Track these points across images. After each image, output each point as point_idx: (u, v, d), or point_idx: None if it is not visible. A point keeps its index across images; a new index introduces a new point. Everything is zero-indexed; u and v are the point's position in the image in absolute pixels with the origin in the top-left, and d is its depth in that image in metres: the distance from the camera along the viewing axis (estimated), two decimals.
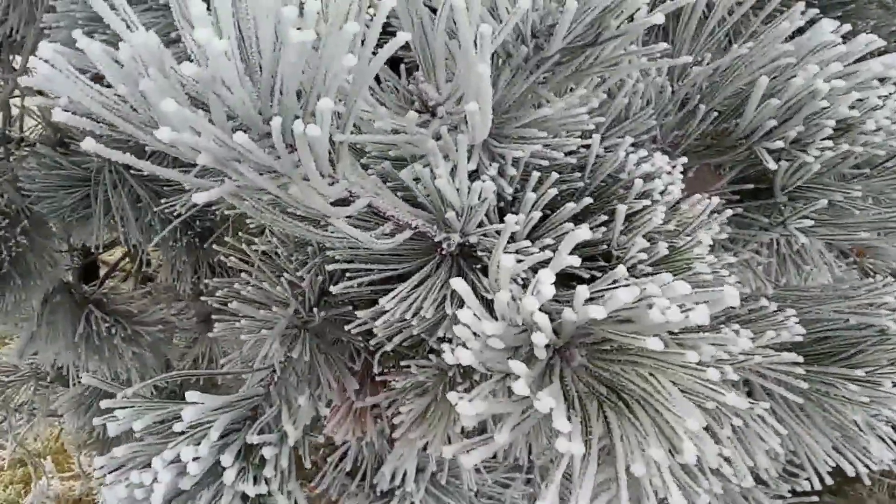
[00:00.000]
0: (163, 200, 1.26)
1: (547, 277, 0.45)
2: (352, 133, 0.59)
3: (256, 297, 0.82)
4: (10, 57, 2.10)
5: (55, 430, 4.38)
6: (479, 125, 0.62)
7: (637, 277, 0.62)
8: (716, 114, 0.85)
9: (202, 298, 1.81)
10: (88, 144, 0.48)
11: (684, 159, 0.74)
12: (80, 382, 2.26)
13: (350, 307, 0.84)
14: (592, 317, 0.44)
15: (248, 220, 0.90)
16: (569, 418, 0.52)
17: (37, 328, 1.98)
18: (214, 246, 0.87)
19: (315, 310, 0.81)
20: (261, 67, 0.51)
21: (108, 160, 1.68)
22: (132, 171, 1.68)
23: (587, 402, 0.55)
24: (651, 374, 0.53)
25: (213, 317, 0.86)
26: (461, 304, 0.69)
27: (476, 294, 0.69)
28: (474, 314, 0.46)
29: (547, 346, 0.55)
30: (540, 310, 0.46)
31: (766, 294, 0.86)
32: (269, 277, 0.82)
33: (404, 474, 1.49)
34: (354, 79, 0.54)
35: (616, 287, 0.55)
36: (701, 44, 0.92)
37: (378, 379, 0.84)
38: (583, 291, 0.46)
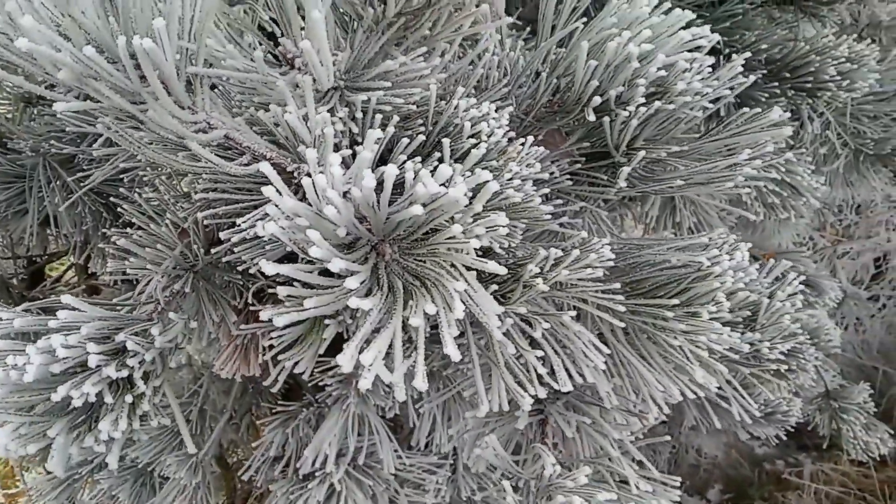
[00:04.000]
0: (83, 177, 1.35)
1: (335, 160, 0.56)
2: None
3: (144, 239, 0.91)
4: None
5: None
6: (318, 66, 0.73)
7: None
8: (556, 83, 0.97)
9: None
10: None
11: (511, 108, 0.85)
12: None
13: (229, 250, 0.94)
14: (369, 186, 0.54)
15: (142, 174, 0.99)
16: (374, 294, 0.62)
17: None
18: (112, 199, 0.95)
19: (201, 252, 0.91)
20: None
21: (42, 156, 1.76)
22: (66, 167, 1.77)
23: (396, 288, 0.65)
24: (444, 261, 0.64)
25: (109, 261, 0.95)
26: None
27: None
28: (276, 190, 0.56)
29: (366, 244, 0.65)
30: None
31: (604, 241, 0.98)
32: (156, 221, 0.91)
33: (325, 458, 1.57)
34: (199, 16, 0.64)
35: None
36: (560, 25, 1.05)
37: (253, 310, 0.93)
38: (368, 173, 0.56)
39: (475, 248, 0.60)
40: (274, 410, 1.81)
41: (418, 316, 0.58)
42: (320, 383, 1.48)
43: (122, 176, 1.21)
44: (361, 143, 0.84)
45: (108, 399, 0.69)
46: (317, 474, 1.68)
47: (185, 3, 0.62)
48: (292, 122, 0.74)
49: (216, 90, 0.90)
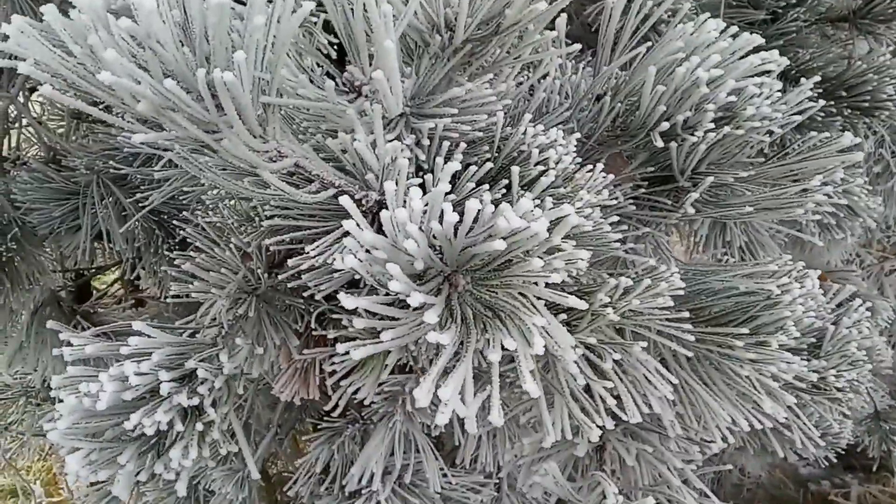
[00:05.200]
0: (137, 194, 1.37)
1: (416, 193, 0.55)
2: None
3: (209, 263, 0.92)
4: (10, 83, 2.23)
5: (46, 462, 4.43)
6: (389, 94, 0.73)
7: None
8: (621, 107, 0.96)
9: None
10: (46, 90, 0.59)
11: (578, 134, 0.85)
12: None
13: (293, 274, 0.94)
14: (451, 221, 0.54)
15: (204, 198, 1.00)
16: (448, 327, 0.62)
17: (25, 339, 2.07)
18: (175, 222, 0.96)
19: (263, 276, 0.91)
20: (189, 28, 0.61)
21: (96, 174, 1.79)
22: (119, 184, 1.79)
23: (471, 321, 0.64)
24: (521, 294, 0.63)
25: (171, 284, 0.95)
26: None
27: None
28: (357, 224, 0.56)
29: (438, 274, 0.65)
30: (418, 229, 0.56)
31: (671, 268, 0.96)
32: (219, 244, 0.92)
33: (371, 476, 1.57)
34: (275, 46, 0.65)
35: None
36: (621, 49, 1.04)
37: (315, 335, 0.93)
38: (448, 207, 0.55)
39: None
40: (319, 427, 1.80)
41: (496, 351, 0.58)
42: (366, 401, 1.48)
43: (175, 194, 1.22)
44: (427, 169, 0.83)
45: (179, 427, 0.69)
46: (363, 492, 1.67)
47: (262, 35, 0.62)
48: (361, 150, 0.74)
49: (281, 112, 0.90)
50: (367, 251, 0.59)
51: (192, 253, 0.94)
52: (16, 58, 0.65)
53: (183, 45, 0.61)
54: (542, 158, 0.80)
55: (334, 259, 0.76)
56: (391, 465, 1.61)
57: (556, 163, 0.80)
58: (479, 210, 0.54)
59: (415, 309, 0.60)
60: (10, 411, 2.89)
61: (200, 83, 0.60)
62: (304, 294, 0.89)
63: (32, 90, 2.18)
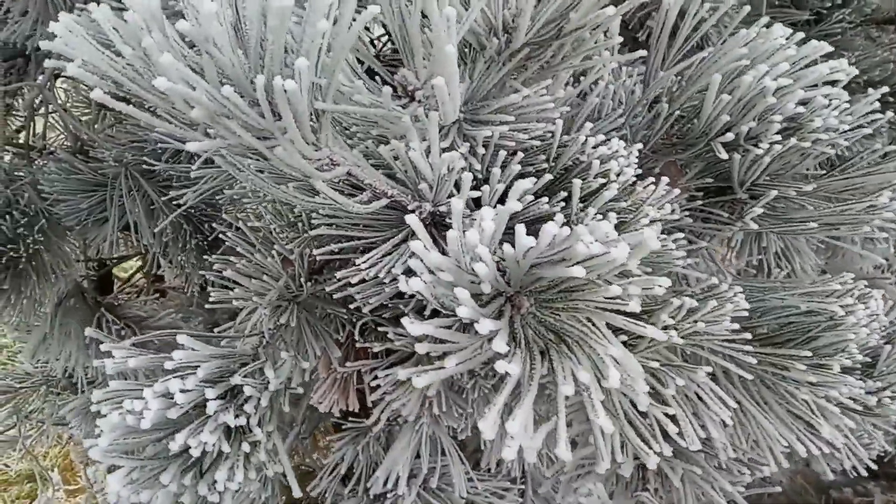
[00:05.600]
0: (171, 192, 1.34)
1: (488, 214, 0.52)
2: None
3: (249, 269, 0.89)
4: (37, 71, 2.21)
5: (64, 447, 4.43)
6: (448, 102, 0.69)
7: None
8: (678, 114, 0.92)
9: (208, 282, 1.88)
10: (97, 94, 0.56)
11: (640, 144, 0.81)
12: (89, 389, 2.33)
13: (336, 281, 0.91)
14: (526, 245, 0.50)
15: (245, 202, 0.97)
16: (514, 353, 0.58)
17: (49, 330, 2.06)
18: (214, 224, 0.93)
19: (304, 283, 0.88)
20: (246, 33, 0.58)
21: (124, 166, 1.77)
22: (147, 177, 1.77)
23: (534, 345, 0.61)
24: (588, 319, 0.59)
25: (210, 289, 0.92)
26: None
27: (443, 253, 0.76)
28: (424, 246, 0.52)
29: (500, 295, 0.61)
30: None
31: (728, 281, 0.92)
32: (261, 251, 0.89)
33: (397, 479, 1.54)
34: (334, 51, 0.61)
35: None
36: (675, 52, 1.00)
37: (359, 347, 0.90)
38: (520, 229, 0.52)
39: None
40: (343, 426, 1.78)
41: (568, 383, 0.54)
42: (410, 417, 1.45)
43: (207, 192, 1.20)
44: (482, 180, 0.80)
45: (225, 448, 0.66)
46: (388, 496, 1.64)
47: (317, 31, 0.59)
48: (416, 159, 0.70)
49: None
50: (431, 272, 0.56)
51: (232, 258, 0.91)
52: (62, 57, 0.62)
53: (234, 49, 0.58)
54: (602, 170, 0.76)
55: (386, 273, 0.73)
56: (417, 468, 1.59)
57: (618, 175, 0.76)
58: (554, 235, 0.50)
59: (477, 332, 0.56)
60: (32, 399, 2.89)
61: (259, 90, 0.56)
62: (348, 304, 0.86)
63: (57, 76, 2.16)
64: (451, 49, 0.64)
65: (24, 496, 4.59)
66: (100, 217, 1.84)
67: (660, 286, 0.54)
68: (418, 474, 1.62)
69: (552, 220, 0.76)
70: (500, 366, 0.53)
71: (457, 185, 0.77)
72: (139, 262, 2.93)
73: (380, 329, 0.87)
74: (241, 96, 0.61)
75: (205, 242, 1.83)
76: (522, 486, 1.88)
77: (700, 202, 0.95)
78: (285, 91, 0.55)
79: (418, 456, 1.56)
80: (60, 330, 2.07)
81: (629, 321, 0.55)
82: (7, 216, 1.69)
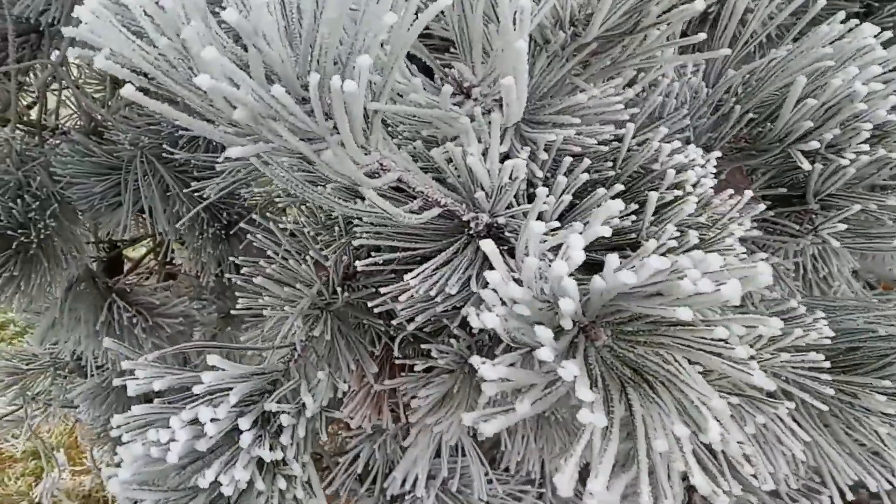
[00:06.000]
0: (193, 184, 1.27)
1: (577, 242, 0.45)
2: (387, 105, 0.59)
3: (281, 275, 0.82)
4: (50, 47, 2.14)
5: (69, 425, 4.39)
6: (514, 104, 0.62)
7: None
8: (750, 116, 0.84)
9: (226, 277, 1.82)
10: (128, 91, 0.49)
11: (718, 153, 0.73)
12: (98, 370, 2.28)
13: (374, 291, 0.84)
14: (623, 282, 0.43)
15: (276, 200, 0.90)
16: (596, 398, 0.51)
17: (59, 315, 2.00)
18: (242, 224, 0.86)
19: (339, 291, 0.81)
20: (300, 24, 0.51)
21: (140, 150, 1.70)
22: (163, 161, 1.70)
23: (610, 383, 0.54)
24: (673, 357, 0.52)
25: (237, 294, 0.86)
26: (487, 283, 0.69)
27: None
28: (502, 277, 0.46)
29: (573, 324, 0.54)
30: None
31: (797, 300, 0.85)
32: (294, 256, 0.82)
33: (415, 479, 1.48)
34: (392, 46, 0.54)
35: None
36: (739, 48, 0.92)
37: (397, 363, 0.83)
38: (613, 259, 0.45)
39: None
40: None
41: (661, 437, 0.47)
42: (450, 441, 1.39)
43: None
44: (544, 187, 0.73)
45: (260, 485, 0.60)
46: (406, 497, 1.58)
47: (382, 26, 0.51)
48: (474, 166, 0.63)
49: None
50: (503, 301, 0.49)
51: (261, 262, 0.84)
52: (88, 45, 0.55)
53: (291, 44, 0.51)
54: (678, 180, 0.68)
55: (438, 291, 0.66)
56: (436, 468, 1.53)
57: (694, 185, 0.69)
58: (658, 270, 0.43)
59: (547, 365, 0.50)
60: (39, 381, 2.84)
61: (312, 90, 0.49)
62: (385, 316, 0.80)
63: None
64: (521, 45, 0.57)
65: (28, 473, 4.57)
66: (113, 201, 1.77)
67: (772, 326, 0.47)
68: (437, 475, 1.56)
69: (630, 237, 0.69)
70: (584, 416, 0.47)
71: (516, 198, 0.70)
72: (150, 244, 2.87)
73: (422, 346, 0.80)
74: (289, 94, 0.54)
75: (222, 231, 1.76)
76: (541, 490, 1.82)
77: (768, 212, 0.87)
78: (343, 92, 0.48)
79: (437, 455, 1.50)
80: (70, 315, 2.01)
81: (731, 365, 0.48)
82: (18, 199, 1.62)
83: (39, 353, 2.77)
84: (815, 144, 0.76)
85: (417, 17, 0.52)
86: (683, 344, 0.50)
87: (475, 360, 0.47)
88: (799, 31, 0.89)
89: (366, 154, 0.60)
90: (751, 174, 0.90)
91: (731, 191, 0.72)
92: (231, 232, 1.78)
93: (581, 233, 0.50)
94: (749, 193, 0.71)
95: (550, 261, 0.62)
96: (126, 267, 2.96)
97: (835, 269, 1.26)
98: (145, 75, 0.55)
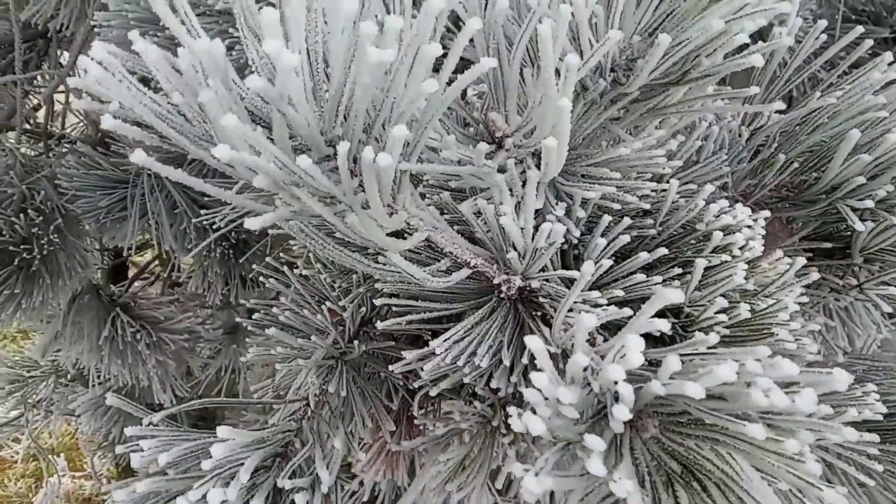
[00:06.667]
0: (202, 212, 1.22)
1: (635, 344, 0.40)
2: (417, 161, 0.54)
3: (295, 322, 0.78)
4: (59, 53, 2.10)
5: (70, 427, 4.36)
6: (554, 163, 0.57)
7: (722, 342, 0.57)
8: (795, 165, 0.80)
9: (237, 303, 1.77)
10: (138, 157, 0.44)
11: (767, 213, 0.68)
12: (99, 384, 2.23)
13: (391, 341, 0.80)
14: (687, 394, 0.39)
15: (291, 241, 0.85)
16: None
17: (62, 328, 1.95)
18: (254, 266, 0.82)
19: (355, 342, 0.77)
20: (326, 83, 0.47)
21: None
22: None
23: (657, 479, 0.50)
24: (731, 455, 0.48)
25: (247, 340, 0.81)
26: (519, 352, 0.64)
27: None
28: (550, 380, 0.41)
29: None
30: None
31: (837, 362, 0.80)
32: (309, 304, 0.78)
33: None
34: (428, 109, 0.49)
35: (702, 353, 0.50)
36: (777, 90, 0.87)
37: (416, 422, 0.79)
38: (674, 362, 0.40)
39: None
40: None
41: None
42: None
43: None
44: (574, 245, 0.68)
45: None
46: None
47: (420, 92, 0.47)
48: (508, 226, 0.59)
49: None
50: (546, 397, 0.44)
51: (275, 309, 0.79)
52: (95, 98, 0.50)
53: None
54: (725, 243, 0.64)
55: (466, 360, 0.61)
56: (448, 499, 1.47)
57: (742, 248, 0.64)
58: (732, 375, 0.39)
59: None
60: (40, 388, 2.81)
61: (341, 158, 0.45)
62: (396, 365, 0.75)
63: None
64: (565, 104, 0.52)
65: (28, 475, 4.53)
66: (119, 215, 1.72)
67: (840, 435, 0.43)
68: (448, 501, 1.51)
69: (670, 310, 0.65)
70: None
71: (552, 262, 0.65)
72: (156, 250, 2.82)
73: (444, 406, 0.75)
74: (314, 160, 0.50)
75: (230, 250, 1.72)
76: None
77: (814, 268, 0.82)
78: (373, 163, 0.44)
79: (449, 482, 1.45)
80: (73, 328, 1.97)
81: (802, 479, 0.43)
82: (22, 214, 1.58)
83: (41, 361, 2.73)
84: (868, 204, 0.72)
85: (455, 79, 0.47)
86: (744, 448, 0.46)
87: (516, 468, 0.42)
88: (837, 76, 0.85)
89: (392, 214, 0.55)
90: (790, 222, 0.86)
91: (780, 253, 0.67)
92: (239, 250, 1.74)
93: (631, 320, 0.45)
94: (802, 261, 0.66)
95: (591, 337, 0.58)
96: (131, 272, 2.92)
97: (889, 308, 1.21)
98: (158, 134, 0.50)
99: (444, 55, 0.45)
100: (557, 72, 0.54)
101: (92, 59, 0.46)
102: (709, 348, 0.60)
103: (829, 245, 0.82)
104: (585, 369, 0.43)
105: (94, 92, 0.48)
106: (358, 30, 0.41)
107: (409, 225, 0.58)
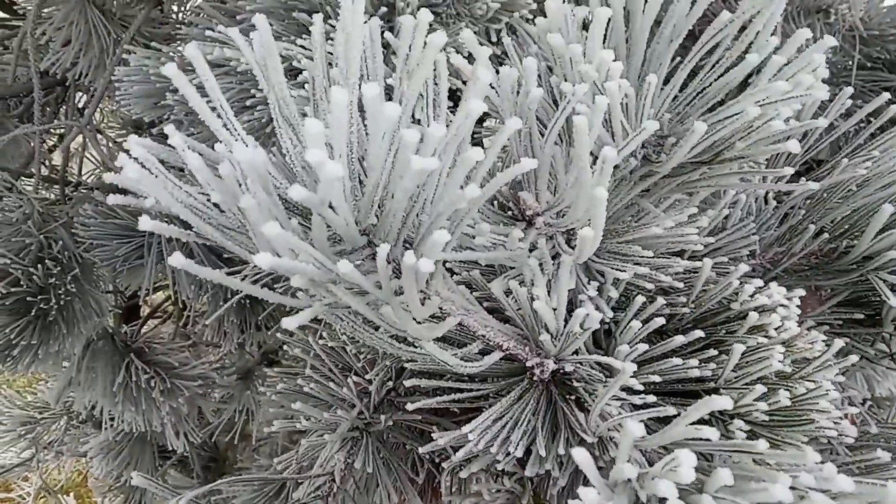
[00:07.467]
0: (223, 269, 1.22)
1: (689, 460, 0.39)
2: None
3: (320, 394, 0.77)
4: (76, 98, 2.12)
5: (80, 465, 4.33)
6: (588, 249, 0.57)
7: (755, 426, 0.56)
8: (825, 235, 0.79)
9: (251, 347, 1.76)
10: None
11: (802, 292, 0.67)
12: (111, 426, 2.22)
13: (417, 414, 0.79)
14: None
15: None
16: None
17: (76, 373, 1.95)
18: (278, 335, 0.81)
19: (381, 416, 0.76)
20: (361, 180, 0.46)
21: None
22: (188, 224, 1.66)
23: None
24: None
25: (271, 410, 0.80)
26: (551, 435, 0.63)
27: (567, 425, 0.63)
28: (599, 495, 0.40)
29: None
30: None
31: (870, 432, 0.79)
32: (335, 376, 0.77)
33: None
34: (469, 205, 0.49)
35: (745, 450, 0.49)
36: (803, 154, 0.87)
37: (446, 499, 0.78)
38: (726, 476, 0.39)
39: None
40: None
41: None
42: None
43: None
44: (609, 324, 0.67)
45: None
46: None
47: (460, 196, 0.46)
48: (542, 310, 0.58)
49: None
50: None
51: (300, 379, 0.78)
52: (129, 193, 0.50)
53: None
54: (760, 324, 0.63)
55: (500, 447, 0.60)
56: None
57: (777, 329, 0.63)
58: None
59: None
60: (52, 429, 2.79)
61: (380, 260, 0.44)
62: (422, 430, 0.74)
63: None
64: (601, 192, 0.52)
65: None
66: (136, 264, 1.73)
67: None
68: None
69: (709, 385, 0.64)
70: None
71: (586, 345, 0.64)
72: (170, 290, 2.82)
73: (472, 486, 0.74)
74: (347, 251, 0.50)
75: (246, 299, 1.71)
76: None
77: (842, 332, 0.81)
78: (414, 267, 0.43)
79: None
80: (87, 373, 1.96)
81: None
82: (39, 264, 1.58)
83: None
84: None
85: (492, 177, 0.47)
86: None
87: None
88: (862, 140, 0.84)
89: (424, 300, 0.55)
90: (818, 289, 0.85)
91: (816, 333, 0.66)
92: (255, 302, 1.74)
93: (676, 421, 0.44)
94: (839, 343, 0.65)
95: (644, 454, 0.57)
96: (143, 310, 2.92)
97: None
98: (196, 233, 0.50)
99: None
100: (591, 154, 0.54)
101: (129, 156, 0.46)
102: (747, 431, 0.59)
103: (861, 316, 0.80)
104: (631, 482, 0.42)
105: (130, 188, 0.48)
106: (400, 136, 0.41)
107: (441, 310, 0.58)
